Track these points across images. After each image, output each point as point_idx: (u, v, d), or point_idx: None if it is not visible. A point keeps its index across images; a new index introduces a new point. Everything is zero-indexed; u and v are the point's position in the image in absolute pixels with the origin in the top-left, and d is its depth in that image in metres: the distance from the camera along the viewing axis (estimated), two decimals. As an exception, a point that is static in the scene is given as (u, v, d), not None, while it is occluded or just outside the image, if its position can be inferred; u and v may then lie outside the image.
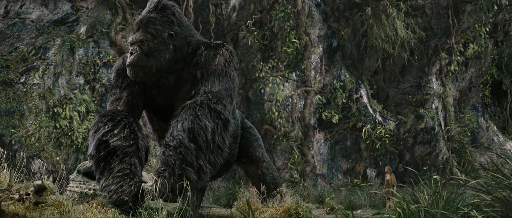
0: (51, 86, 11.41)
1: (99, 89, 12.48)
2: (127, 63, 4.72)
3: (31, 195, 4.42)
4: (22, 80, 11.17)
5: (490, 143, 14.30)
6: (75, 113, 11.55)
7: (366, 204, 6.51)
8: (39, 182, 4.48)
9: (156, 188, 4.08)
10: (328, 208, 4.96)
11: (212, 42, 4.94)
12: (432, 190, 3.63)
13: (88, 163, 6.42)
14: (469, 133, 14.05)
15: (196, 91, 4.50)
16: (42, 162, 5.86)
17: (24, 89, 11.03)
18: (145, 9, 4.82)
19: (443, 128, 13.65)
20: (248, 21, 13.68)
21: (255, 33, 13.71)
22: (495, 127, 14.75)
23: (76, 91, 11.91)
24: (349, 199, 6.62)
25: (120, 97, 4.87)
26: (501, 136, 14.59)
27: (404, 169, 13.49)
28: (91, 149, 4.61)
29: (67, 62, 12.05)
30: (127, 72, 4.74)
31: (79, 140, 11.48)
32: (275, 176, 5.95)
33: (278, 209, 4.18)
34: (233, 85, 4.85)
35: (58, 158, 10.60)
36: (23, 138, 10.60)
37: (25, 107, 10.81)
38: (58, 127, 11.13)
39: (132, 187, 4.32)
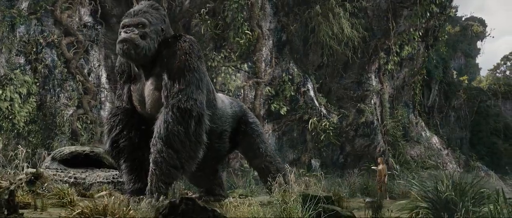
0: (-10, 65, 10.49)
1: (42, 70, 11.68)
2: (120, 39, 4.77)
3: (24, 183, 4.20)
4: (-42, 57, 10.13)
5: (419, 137, 15.75)
6: (16, 95, 10.74)
7: (346, 193, 6.96)
8: (33, 169, 4.27)
9: (151, 183, 4.71)
10: (336, 197, 5.31)
11: (171, 36, 5.15)
12: (451, 181, 4.10)
13: (65, 150, 6.12)
14: (401, 128, 15.35)
15: (167, 95, 4.79)
16: (21, 149, 5.49)
17: (-39, 67, 10.01)
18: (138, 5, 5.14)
19: (380, 122, 14.76)
20: (202, 10, 13.58)
21: (208, 22, 13.66)
22: (423, 123, 16.26)
23: (17, 71, 11.06)
24: (333, 187, 7.02)
25: (122, 93, 5.30)
26: (427, 131, 16.13)
27: (345, 159, 14.40)
28: (107, 146, 5.23)
29: (7, 39, 11.11)
30: (117, 50, 4.88)
31: (21, 124, 10.71)
32: (279, 167, 6.24)
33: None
34: (199, 76, 5.05)
35: (-2, 143, 9.78)
36: (-41, 121, 9.65)
37: (-38, 87, 9.82)
38: (-2, 109, 10.29)
39: (132, 183, 5.07)
